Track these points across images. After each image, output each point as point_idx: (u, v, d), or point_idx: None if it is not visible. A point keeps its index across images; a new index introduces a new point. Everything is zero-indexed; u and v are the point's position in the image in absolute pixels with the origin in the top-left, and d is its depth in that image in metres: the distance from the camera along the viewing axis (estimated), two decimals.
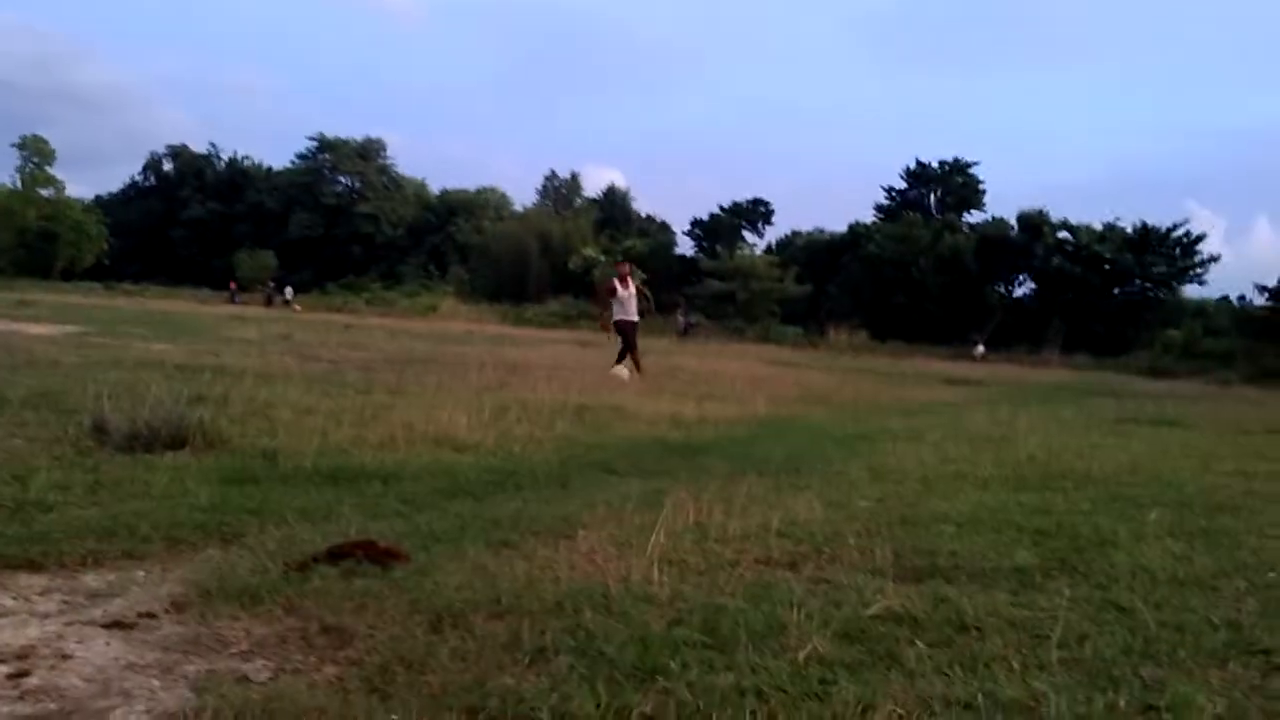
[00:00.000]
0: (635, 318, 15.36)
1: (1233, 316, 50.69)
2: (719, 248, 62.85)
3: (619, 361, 14.82)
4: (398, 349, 18.51)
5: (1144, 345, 47.68)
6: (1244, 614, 3.25)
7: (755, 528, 4.29)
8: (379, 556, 3.43)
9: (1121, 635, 2.98)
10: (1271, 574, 3.85)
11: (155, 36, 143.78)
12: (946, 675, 2.58)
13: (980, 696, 2.41)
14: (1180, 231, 52.50)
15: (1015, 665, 2.66)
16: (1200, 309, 56.50)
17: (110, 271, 69.25)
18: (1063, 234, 54.81)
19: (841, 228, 65.11)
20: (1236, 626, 3.11)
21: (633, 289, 15.43)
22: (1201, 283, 54.20)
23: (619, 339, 15.30)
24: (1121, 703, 2.41)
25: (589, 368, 15.09)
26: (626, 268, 16.17)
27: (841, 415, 11.33)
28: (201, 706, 2.21)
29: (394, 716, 2.18)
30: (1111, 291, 52.72)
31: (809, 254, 63.35)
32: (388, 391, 9.87)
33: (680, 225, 77.05)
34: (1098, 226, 54.18)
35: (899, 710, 2.33)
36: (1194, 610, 3.29)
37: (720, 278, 53.98)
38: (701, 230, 72.79)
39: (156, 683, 2.40)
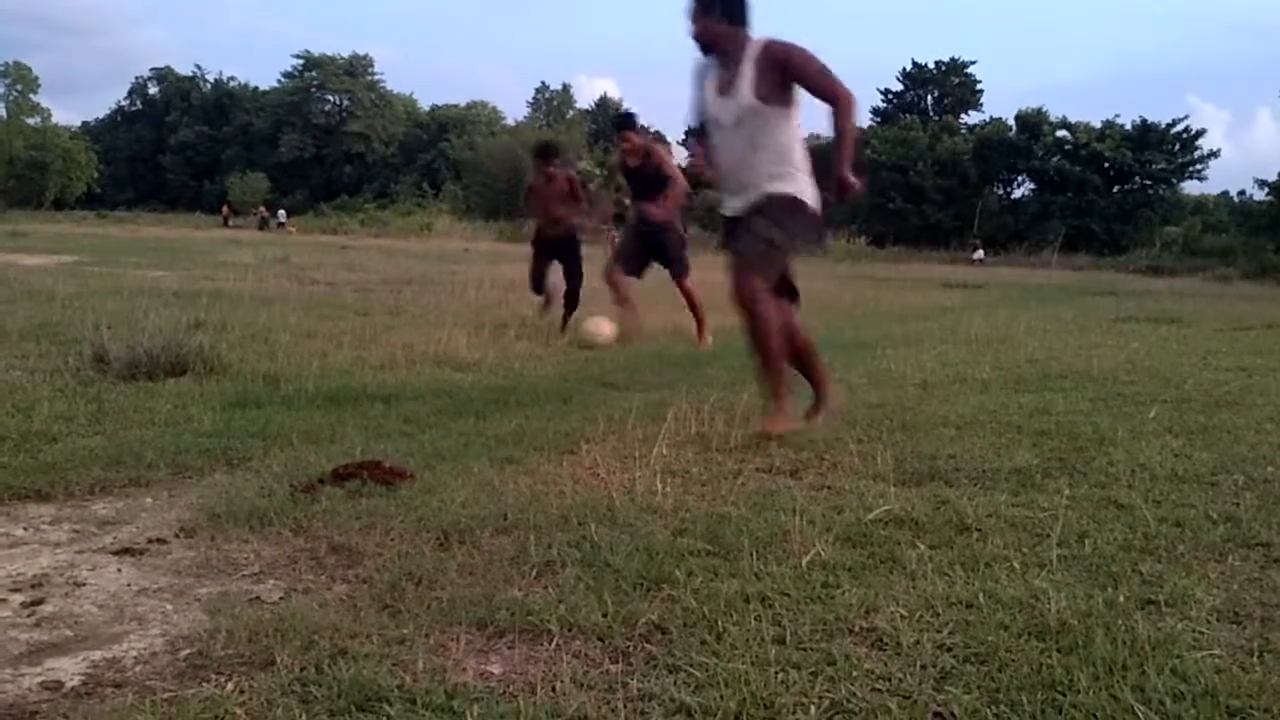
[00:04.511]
0: None
1: (1232, 212, 50.45)
2: None
3: None
4: (395, 269, 18.43)
5: (1144, 244, 47.53)
6: (1242, 508, 3.28)
7: (757, 437, 4.32)
8: (384, 476, 3.45)
9: (1121, 532, 3.01)
10: (1270, 468, 3.87)
11: None
12: (948, 576, 2.61)
13: (981, 595, 2.44)
14: (1180, 127, 51.87)
15: (1016, 564, 2.69)
16: (1200, 205, 56.15)
17: (102, 200, 68.70)
18: (1061, 133, 54.16)
19: None
20: (1235, 521, 3.14)
21: None
22: (1201, 179, 53.84)
23: None
24: (1121, 598, 2.44)
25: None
26: None
27: (841, 322, 11.31)
28: (215, 628, 2.23)
29: (404, 631, 2.21)
30: (1111, 190, 52.29)
31: None
32: (387, 312, 9.88)
33: (675, 135, 76.12)
34: (1097, 124, 53.52)
35: (901, 611, 2.36)
36: (1193, 506, 3.32)
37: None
38: (697, 140, 72.03)
39: (169, 607, 2.43)
